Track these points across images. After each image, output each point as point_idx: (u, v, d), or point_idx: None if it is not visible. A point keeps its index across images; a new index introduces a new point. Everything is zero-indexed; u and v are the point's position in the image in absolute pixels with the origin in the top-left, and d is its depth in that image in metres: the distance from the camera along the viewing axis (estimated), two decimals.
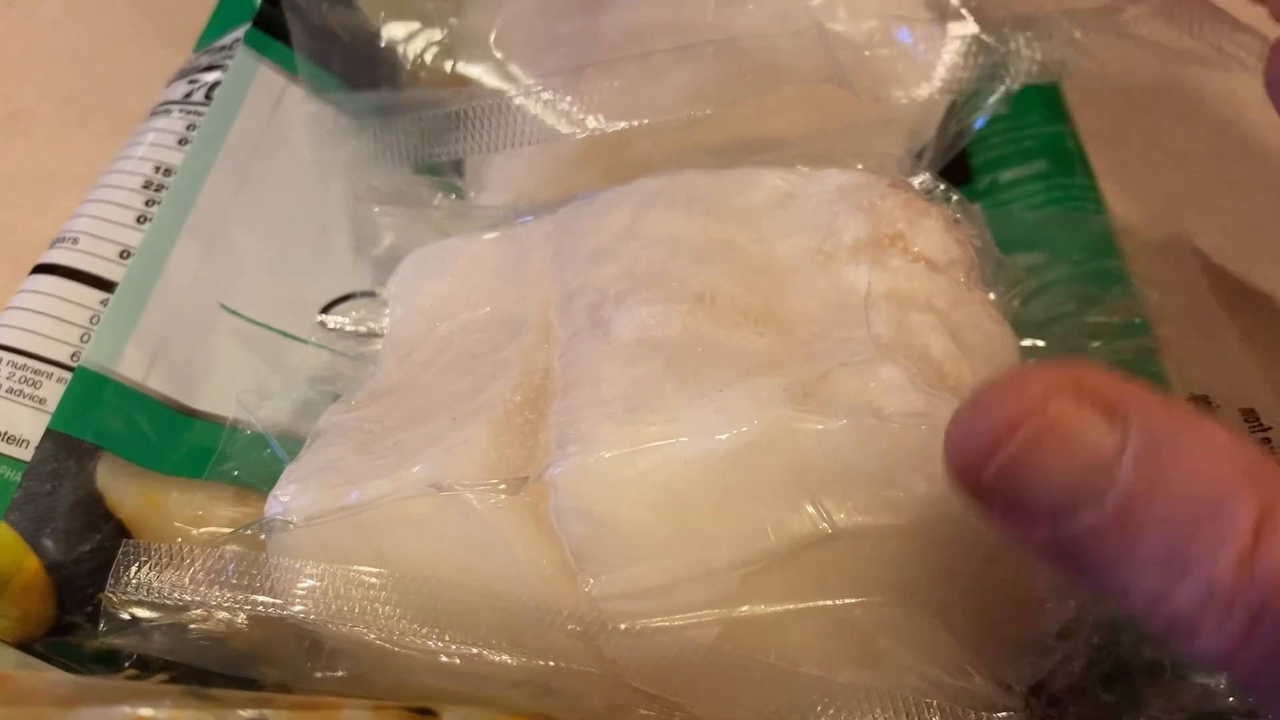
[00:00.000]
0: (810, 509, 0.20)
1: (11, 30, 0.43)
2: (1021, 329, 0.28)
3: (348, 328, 0.30)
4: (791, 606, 0.21)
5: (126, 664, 0.23)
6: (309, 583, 0.21)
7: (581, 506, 0.20)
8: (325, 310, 0.31)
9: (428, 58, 0.31)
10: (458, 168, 0.32)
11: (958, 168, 0.34)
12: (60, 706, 0.14)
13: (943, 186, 0.27)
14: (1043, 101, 0.36)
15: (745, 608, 0.21)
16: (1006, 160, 0.36)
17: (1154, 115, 0.38)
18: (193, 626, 0.22)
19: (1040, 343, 0.28)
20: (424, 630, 0.21)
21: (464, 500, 0.21)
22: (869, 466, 0.20)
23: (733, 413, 0.20)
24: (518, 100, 0.27)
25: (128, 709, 0.14)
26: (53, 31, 0.43)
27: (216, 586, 0.21)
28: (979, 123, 0.29)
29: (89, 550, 0.25)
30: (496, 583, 0.21)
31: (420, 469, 0.21)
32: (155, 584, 0.21)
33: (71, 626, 0.24)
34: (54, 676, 0.15)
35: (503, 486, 0.21)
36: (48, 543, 0.25)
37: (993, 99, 0.28)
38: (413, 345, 0.26)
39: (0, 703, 0.14)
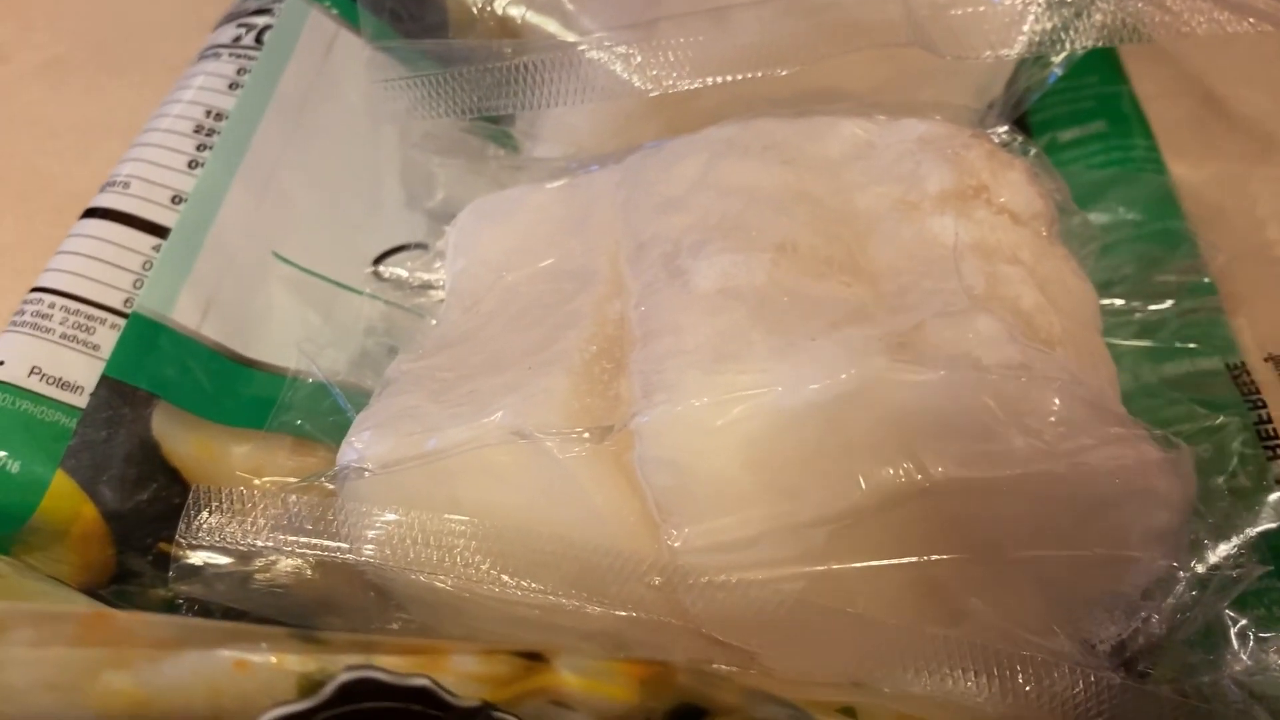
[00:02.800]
0: (905, 462, 0.19)
1: None
2: None
3: (403, 278, 0.29)
4: (877, 563, 0.20)
5: (190, 613, 0.23)
6: (384, 529, 0.21)
7: (668, 456, 0.20)
8: (378, 261, 0.30)
9: (495, 7, 0.30)
10: (510, 119, 0.31)
11: (1016, 127, 0.33)
12: (158, 649, 0.14)
13: (1020, 139, 0.26)
14: (1101, 62, 0.36)
15: (831, 563, 0.20)
16: (1065, 120, 0.35)
17: (1212, 76, 0.38)
18: (260, 575, 0.22)
19: (1118, 301, 0.27)
20: (503, 578, 0.20)
21: (545, 449, 0.20)
22: (966, 419, 0.19)
23: (827, 362, 0.19)
24: (590, 53, 0.26)
25: (228, 653, 0.14)
26: None
27: (288, 532, 0.21)
28: (1052, 77, 0.29)
29: (146, 499, 0.25)
30: (576, 533, 0.21)
31: (500, 416, 0.21)
32: (226, 529, 0.21)
33: (133, 574, 0.24)
34: (154, 617, 0.15)
35: (587, 435, 0.20)
36: (105, 490, 0.24)
37: (1067, 54, 0.27)
38: (479, 295, 0.25)
39: (101, 642, 0.14)
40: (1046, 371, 0.19)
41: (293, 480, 0.24)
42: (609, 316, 0.23)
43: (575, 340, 0.22)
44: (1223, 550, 0.22)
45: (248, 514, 0.21)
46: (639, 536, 0.21)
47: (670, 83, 0.26)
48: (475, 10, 0.30)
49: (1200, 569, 0.21)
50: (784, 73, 0.26)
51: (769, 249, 0.22)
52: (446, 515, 0.21)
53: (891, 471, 0.19)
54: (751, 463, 0.20)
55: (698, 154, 0.25)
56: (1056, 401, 0.19)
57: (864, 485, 0.19)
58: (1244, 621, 0.22)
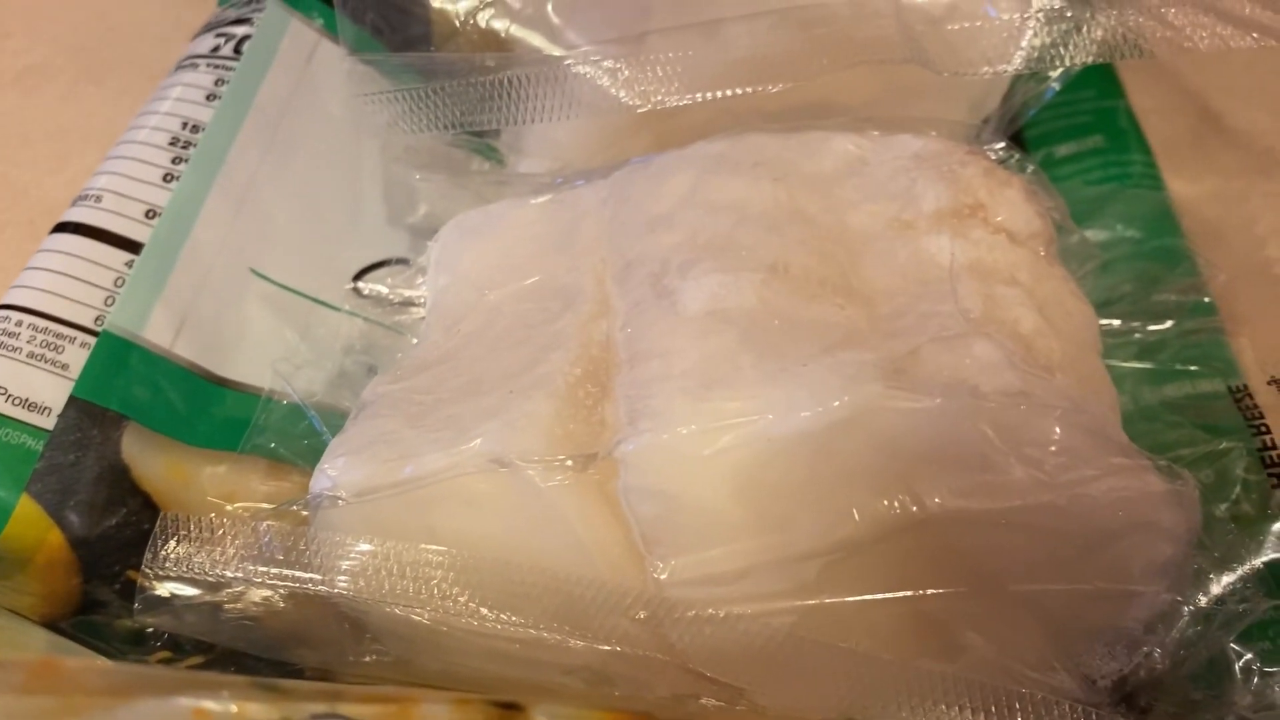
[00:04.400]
0: (900, 493, 0.18)
1: None
2: None
3: (383, 295, 0.29)
4: (872, 596, 0.20)
5: (158, 644, 0.22)
6: (358, 559, 0.20)
7: (654, 485, 0.19)
8: (358, 277, 0.29)
9: (479, 20, 0.29)
10: (494, 133, 0.31)
11: (1012, 142, 0.33)
12: (112, 697, 0.13)
13: (1017, 156, 0.26)
14: (1097, 76, 0.35)
15: (823, 596, 0.19)
16: (1061, 135, 0.34)
17: (1210, 92, 0.37)
18: (230, 606, 0.21)
19: (1115, 322, 0.27)
20: (482, 611, 0.20)
21: (525, 477, 0.20)
22: (964, 448, 0.18)
23: (819, 389, 0.18)
24: (577, 68, 0.25)
25: (186, 700, 0.13)
26: None
27: (259, 562, 0.20)
28: (1049, 92, 0.28)
29: (115, 524, 0.24)
30: (558, 564, 0.20)
31: (480, 443, 0.20)
32: (194, 559, 0.20)
33: (98, 604, 0.23)
34: (103, 665, 0.14)
35: (569, 463, 0.19)
36: (72, 516, 0.23)
37: (1065, 69, 0.26)
38: (460, 314, 0.25)
39: (46, 691, 0.13)
40: (1046, 399, 0.19)
41: (265, 506, 0.23)
42: (594, 337, 0.22)
43: (559, 362, 0.21)
44: (1227, 582, 0.21)
45: (217, 543, 0.20)
46: (623, 568, 0.20)
47: (659, 98, 0.25)
48: (458, 23, 0.30)
49: (1204, 602, 0.20)
50: (776, 89, 0.25)
51: (760, 269, 0.21)
52: (423, 545, 0.20)
53: (886, 502, 0.19)
54: (741, 492, 0.19)
55: (686, 170, 0.24)
56: (1057, 430, 0.18)
57: (858, 516, 0.19)
58: (1249, 655, 0.21)
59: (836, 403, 0.18)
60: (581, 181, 0.26)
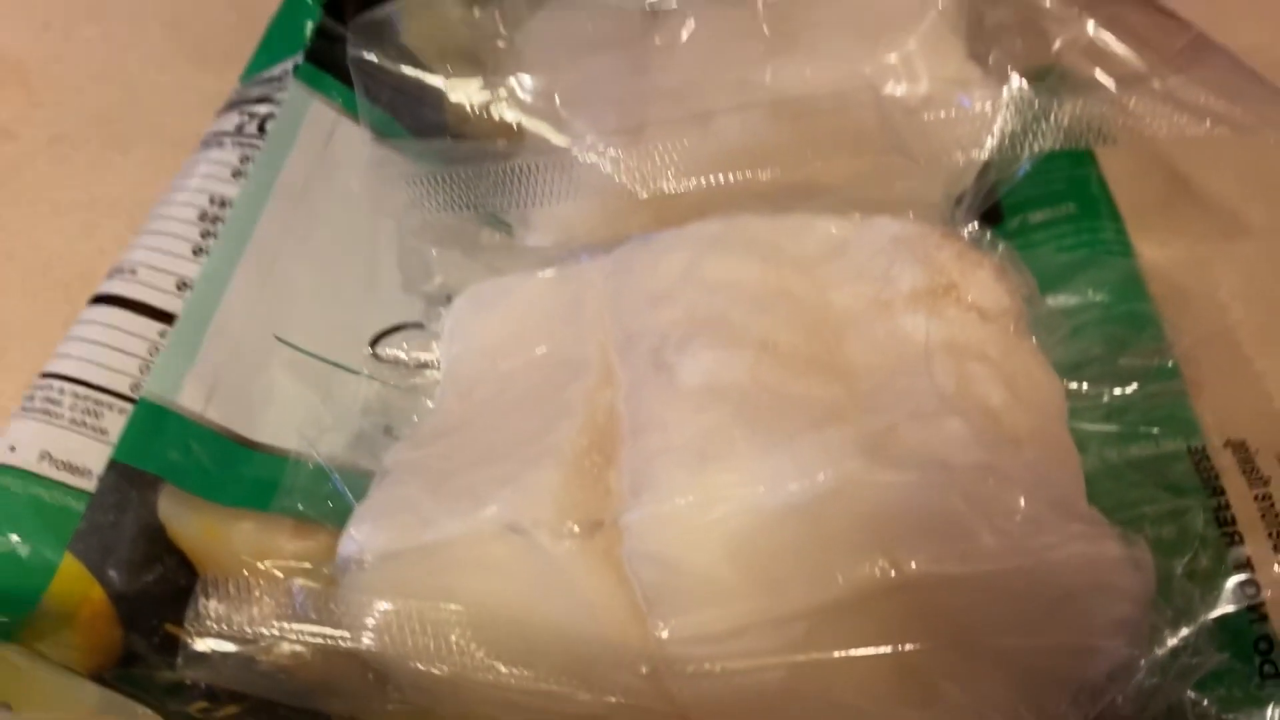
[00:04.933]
0: (881, 559, 0.20)
1: (50, 53, 0.44)
2: (1057, 372, 0.29)
3: (399, 359, 0.30)
4: (855, 652, 0.21)
5: (196, 695, 0.23)
6: (383, 618, 0.22)
7: (655, 552, 0.21)
8: (375, 342, 0.31)
9: (491, 111, 0.32)
10: None
11: (984, 220, 0.35)
12: None
13: (989, 235, 0.28)
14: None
15: (811, 653, 0.21)
16: (1035, 202, 0.36)
17: (1177, 158, 0.39)
18: (264, 659, 0.23)
19: (1083, 385, 0.28)
20: (497, 666, 0.21)
21: (537, 542, 0.21)
22: (938, 518, 0.20)
23: (806, 463, 0.20)
24: (582, 156, 0.27)
25: None
26: (90, 55, 0.44)
27: (292, 620, 0.22)
28: (1020, 171, 0.30)
29: (152, 581, 0.25)
30: (566, 622, 0.22)
31: (494, 510, 0.22)
32: (233, 617, 0.22)
33: (137, 657, 0.25)
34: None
35: (577, 529, 0.21)
36: (112, 573, 0.25)
37: (1034, 152, 0.28)
38: (473, 383, 0.26)
39: None
40: (1012, 472, 0.21)
41: (294, 565, 0.25)
42: (599, 406, 0.24)
43: (567, 432, 0.23)
44: (1184, 635, 0.23)
45: (254, 602, 0.22)
46: (627, 627, 0.22)
47: (657, 184, 0.27)
48: (471, 113, 0.32)
49: (1162, 654, 0.22)
50: (769, 176, 0.27)
51: (751, 346, 0.23)
52: (442, 605, 0.22)
53: (868, 567, 0.20)
54: (735, 558, 0.21)
55: (684, 249, 0.26)
56: (1022, 502, 0.20)
57: (842, 580, 0.20)
58: (1205, 703, 0.23)
59: (821, 476, 0.20)
60: (586, 256, 0.28)
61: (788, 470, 0.20)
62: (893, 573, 0.20)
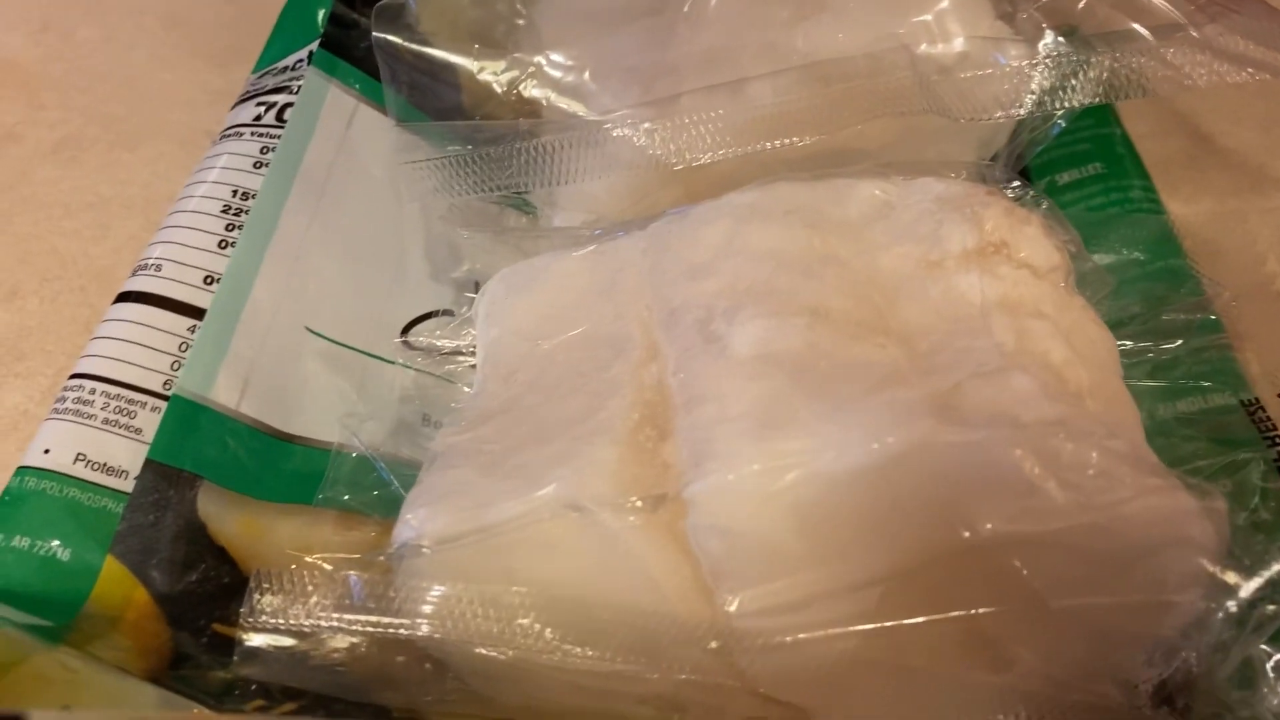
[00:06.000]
0: (952, 521, 0.20)
1: (50, 54, 0.43)
2: None
3: (432, 346, 0.30)
4: (927, 618, 0.21)
5: (252, 692, 0.23)
6: (443, 603, 0.21)
7: (720, 524, 0.20)
8: (406, 330, 0.31)
9: (521, 90, 0.31)
10: None
11: (1021, 178, 0.34)
12: None
13: (1031, 193, 0.27)
14: (1093, 105, 0.37)
15: (881, 621, 0.21)
16: (1062, 163, 0.36)
17: (1201, 114, 0.39)
18: (318, 653, 0.22)
19: (1129, 342, 0.28)
20: (564, 647, 0.21)
21: (598, 519, 0.21)
22: (1009, 477, 0.20)
23: (874, 427, 0.20)
24: (615, 131, 0.27)
25: None
26: (91, 55, 0.43)
27: (350, 611, 0.21)
28: (1055, 129, 0.30)
29: (195, 580, 0.25)
30: (631, 600, 0.21)
31: (552, 489, 0.21)
32: (289, 611, 0.21)
33: (186, 658, 0.24)
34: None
35: (639, 504, 0.21)
36: (155, 574, 0.25)
37: (1071, 108, 0.28)
38: (515, 365, 0.26)
39: None
40: (1082, 426, 0.20)
41: (343, 556, 0.24)
42: (646, 382, 0.23)
43: (617, 409, 0.23)
44: (1256, 587, 0.22)
45: (309, 595, 0.21)
46: (693, 602, 0.21)
47: (692, 155, 0.27)
48: (500, 91, 0.31)
49: (1235, 608, 0.22)
50: (809, 140, 0.27)
51: (802, 313, 0.23)
52: (505, 587, 0.21)
53: (939, 531, 0.20)
54: (802, 527, 0.20)
55: (722, 220, 0.26)
56: (1094, 455, 0.20)
57: (913, 545, 0.20)
58: (1278, 656, 0.23)
59: (891, 439, 0.20)
60: (621, 233, 0.27)
61: (856, 434, 0.20)
62: (966, 534, 0.20)
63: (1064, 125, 0.31)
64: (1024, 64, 0.27)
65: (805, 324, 0.22)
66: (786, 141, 0.27)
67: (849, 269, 0.24)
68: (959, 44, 0.28)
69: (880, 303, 0.23)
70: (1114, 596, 0.21)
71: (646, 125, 0.27)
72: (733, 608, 0.21)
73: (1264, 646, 0.22)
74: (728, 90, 0.27)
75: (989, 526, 0.20)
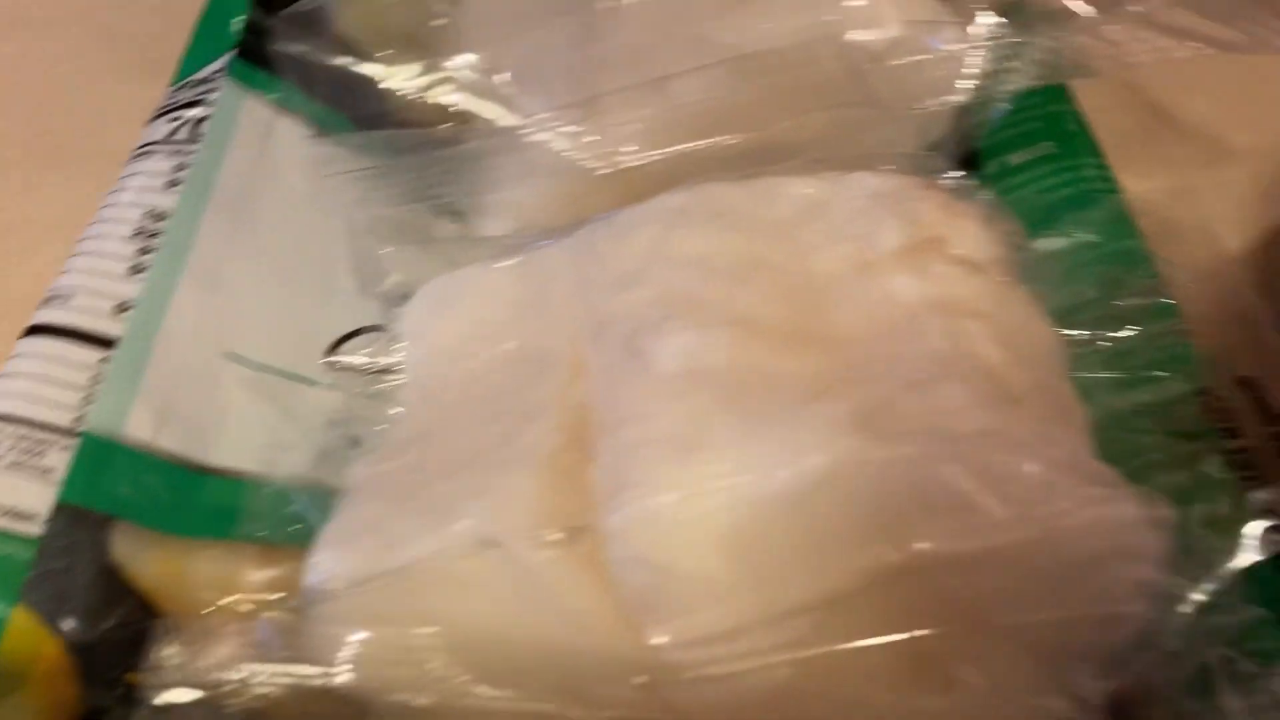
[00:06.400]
0: (884, 542, 0.19)
1: None
2: (1052, 320, 0.27)
3: (360, 365, 0.29)
4: (864, 643, 0.20)
5: None
6: (356, 649, 0.20)
7: (641, 554, 0.19)
8: (334, 349, 0.30)
9: (430, 96, 0.30)
10: None
11: (965, 166, 0.33)
12: None
13: (972, 182, 0.26)
14: None
15: (817, 647, 0.20)
16: (1012, 144, 0.35)
17: (1155, 86, 0.38)
18: (234, 703, 0.21)
19: (1081, 332, 0.27)
20: (483, 689, 0.20)
21: (514, 554, 0.20)
22: (942, 493, 0.19)
23: (796, 446, 0.19)
24: (535, 135, 0.26)
25: None
26: (14, 71, 0.42)
27: (257, 661, 0.20)
28: (996, 113, 0.29)
29: (112, 627, 0.24)
30: (553, 636, 0.20)
31: (466, 524, 0.20)
32: (194, 664, 0.20)
33: (100, 712, 0.23)
34: None
35: (556, 538, 0.20)
36: (68, 623, 0.24)
37: (1010, 90, 0.27)
38: (438, 386, 0.25)
39: None
40: (1019, 435, 0.19)
41: (262, 597, 0.23)
42: (571, 403, 0.22)
43: (539, 433, 0.22)
44: (1209, 591, 0.21)
45: (216, 645, 0.20)
46: (619, 636, 0.20)
47: (617, 159, 0.25)
48: (418, 95, 0.30)
49: (1189, 613, 0.21)
50: (737, 139, 0.26)
51: (730, 324, 0.22)
52: (420, 630, 0.20)
53: (871, 552, 0.19)
54: (728, 554, 0.19)
55: (649, 225, 0.24)
56: (1031, 467, 0.19)
57: (845, 568, 0.19)
58: (1236, 661, 0.22)
59: (814, 459, 0.19)
60: (549, 242, 0.26)
61: (777, 455, 0.19)
62: (896, 556, 0.19)
63: (1009, 108, 0.30)
64: (958, 48, 0.26)
65: (732, 336, 0.21)
66: (715, 140, 0.26)
67: (780, 274, 0.23)
68: (891, 29, 0.26)
69: (812, 309, 0.22)
70: (1059, 611, 0.20)
71: (568, 129, 0.26)
72: (660, 641, 0.20)
73: (1220, 652, 0.22)
74: (650, 88, 0.26)
75: (923, 547, 0.19)
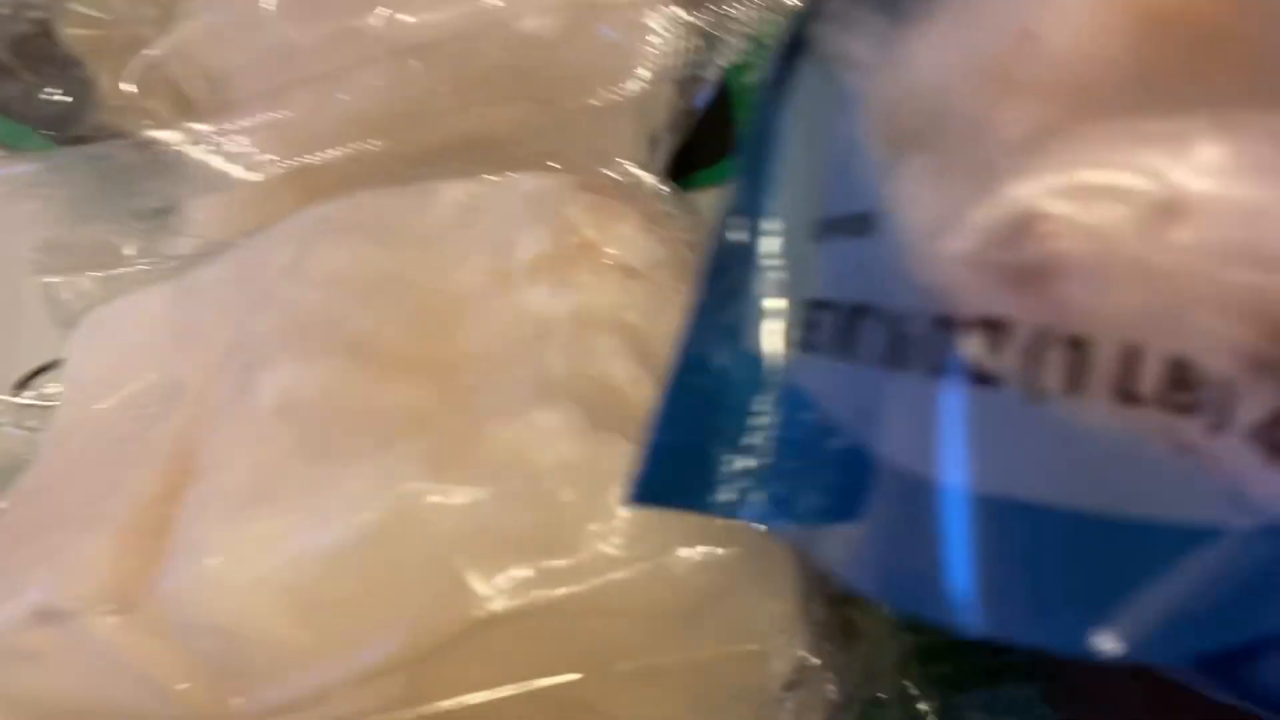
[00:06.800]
0: (458, 593, 0.17)
1: None
2: None
3: (39, 404, 0.27)
4: (476, 697, 0.18)
5: None
6: None
7: (204, 621, 0.18)
8: (21, 386, 0.27)
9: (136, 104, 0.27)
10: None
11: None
12: None
13: (651, 179, 0.24)
14: None
15: (420, 706, 0.18)
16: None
17: None
18: None
19: None
20: None
21: (83, 625, 0.18)
22: (524, 535, 0.17)
23: (353, 496, 0.17)
24: (181, 148, 0.23)
25: None
26: None
27: None
28: (698, 101, 0.27)
29: None
30: (136, 709, 0.18)
31: (30, 595, 0.18)
32: None
33: None
34: None
35: (113, 608, 0.18)
36: None
37: (709, 76, 0.25)
38: (70, 429, 0.23)
39: None
40: (613, 466, 0.17)
41: None
42: (184, 447, 0.20)
43: (137, 483, 0.20)
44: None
45: None
46: (203, 705, 0.18)
47: (265, 170, 0.23)
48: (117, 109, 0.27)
49: (832, 651, 0.19)
50: (396, 138, 0.24)
51: (339, 351, 0.20)
52: None
53: (450, 604, 0.17)
54: (298, 614, 0.17)
55: (291, 240, 0.22)
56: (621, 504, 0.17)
57: (423, 623, 0.17)
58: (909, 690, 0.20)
59: (367, 513, 0.17)
60: (205, 261, 0.24)
61: (332, 507, 0.17)
62: (472, 610, 0.17)
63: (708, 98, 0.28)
64: (632, 35, 0.24)
65: (336, 366, 0.19)
66: (397, 141, 0.24)
67: (412, 290, 0.21)
68: (564, 15, 0.24)
69: (438, 329, 0.20)
70: (685, 652, 0.18)
71: (215, 141, 0.23)
72: (243, 708, 0.18)
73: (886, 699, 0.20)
74: (299, 88, 0.24)
75: (496, 597, 0.17)
